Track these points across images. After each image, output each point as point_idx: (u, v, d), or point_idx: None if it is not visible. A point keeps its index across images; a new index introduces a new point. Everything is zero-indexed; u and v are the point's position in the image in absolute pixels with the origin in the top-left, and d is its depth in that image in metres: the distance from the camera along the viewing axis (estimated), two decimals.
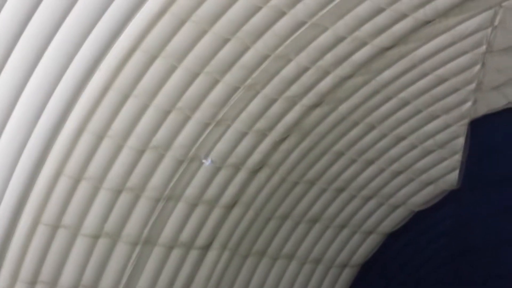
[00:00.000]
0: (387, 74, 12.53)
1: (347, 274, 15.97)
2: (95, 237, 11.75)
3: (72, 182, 11.01)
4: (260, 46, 10.98)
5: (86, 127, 10.59)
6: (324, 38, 11.37)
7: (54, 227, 11.17)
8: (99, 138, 10.88)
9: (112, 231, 11.87)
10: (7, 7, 8.82)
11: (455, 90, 13.38)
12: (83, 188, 11.19)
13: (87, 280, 11.90)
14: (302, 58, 11.51)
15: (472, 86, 13.37)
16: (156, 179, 11.86)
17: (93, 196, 11.39)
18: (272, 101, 12.01)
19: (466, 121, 14.04)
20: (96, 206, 11.50)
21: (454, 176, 15.00)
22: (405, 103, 13.24)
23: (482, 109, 13.94)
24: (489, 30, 12.50)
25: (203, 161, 11.81)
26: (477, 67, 13.01)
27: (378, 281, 15.97)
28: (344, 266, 15.81)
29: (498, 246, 14.85)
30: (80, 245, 11.62)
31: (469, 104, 13.74)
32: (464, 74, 13.09)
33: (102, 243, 11.88)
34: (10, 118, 9.76)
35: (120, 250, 12.14)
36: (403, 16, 11.56)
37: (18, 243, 10.81)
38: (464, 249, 15.44)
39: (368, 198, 14.93)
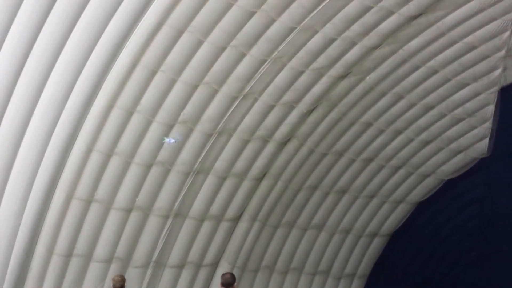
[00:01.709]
0: (414, 43, 12.41)
1: (377, 244, 16.03)
2: (127, 210, 11.96)
3: (103, 158, 11.20)
4: (285, 19, 10.95)
5: (116, 103, 10.73)
6: (351, 8, 11.27)
7: (87, 202, 11.41)
8: (129, 113, 11.01)
9: (144, 205, 12.07)
10: None
11: (484, 57, 13.21)
12: (114, 163, 11.38)
13: (120, 252, 12.15)
14: (328, 29, 11.45)
15: (502, 53, 13.17)
16: (186, 153, 11.99)
17: (124, 170, 11.57)
18: (299, 73, 12.00)
19: (496, 88, 13.87)
20: (128, 181, 11.70)
21: (484, 144, 14.86)
22: (434, 72, 13.12)
23: None
24: None
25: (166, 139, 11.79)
26: (507, 33, 12.79)
27: (408, 250, 16.04)
28: (374, 235, 15.86)
29: None
30: (113, 218, 11.85)
31: (498, 71, 13.55)
32: (493, 41, 12.90)
33: (134, 217, 12.09)
34: (41, 97, 9.94)
35: (152, 223, 12.35)
36: None
37: (52, 218, 11.08)
38: (494, 217, 15.40)
39: (397, 168, 14.90)
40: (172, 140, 11.55)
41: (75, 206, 11.28)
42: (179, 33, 10.42)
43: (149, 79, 10.76)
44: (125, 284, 10.57)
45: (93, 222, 11.63)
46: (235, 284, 8.09)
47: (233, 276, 8.20)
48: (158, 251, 12.60)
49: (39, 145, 10.35)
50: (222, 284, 8.07)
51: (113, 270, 11.96)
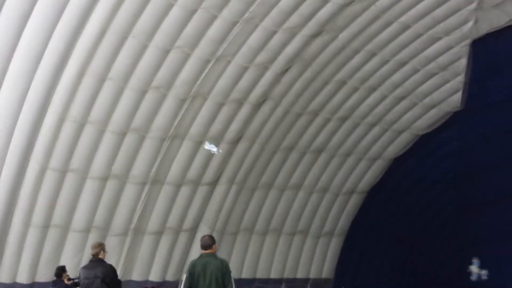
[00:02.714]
0: None
1: (355, 200, 16.12)
2: (104, 179, 11.85)
3: (76, 127, 11.04)
4: None
5: (86, 71, 10.52)
6: None
7: (62, 172, 11.26)
8: (100, 81, 10.82)
9: (120, 173, 11.96)
10: None
11: (456, 10, 13.16)
12: (88, 132, 11.22)
13: (98, 221, 12.08)
14: None
15: (473, 5, 13.15)
16: (160, 118, 11.86)
17: (98, 139, 11.43)
18: (271, 33, 11.85)
19: (468, 41, 13.86)
20: (102, 149, 11.56)
21: (457, 97, 14.92)
22: (406, 27, 13.04)
23: (484, 28, 13.73)
24: None
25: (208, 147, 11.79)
26: None
27: (385, 206, 16.12)
28: (351, 192, 15.94)
29: (503, 165, 14.89)
30: (89, 188, 11.75)
31: (470, 24, 13.53)
32: None
33: (111, 185, 12.00)
34: (9, 67, 9.69)
35: (129, 190, 12.27)
36: None
37: (27, 190, 10.93)
38: (469, 170, 15.51)
39: (372, 125, 14.92)
40: (214, 148, 11.55)
41: (50, 177, 11.15)
42: None
43: (119, 45, 10.55)
44: (104, 252, 10.19)
45: (69, 192, 11.52)
46: (215, 246, 8.08)
47: (211, 237, 8.18)
48: (136, 218, 12.54)
49: (9, 118, 10.14)
50: (202, 246, 8.08)
51: (92, 239, 11.84)
